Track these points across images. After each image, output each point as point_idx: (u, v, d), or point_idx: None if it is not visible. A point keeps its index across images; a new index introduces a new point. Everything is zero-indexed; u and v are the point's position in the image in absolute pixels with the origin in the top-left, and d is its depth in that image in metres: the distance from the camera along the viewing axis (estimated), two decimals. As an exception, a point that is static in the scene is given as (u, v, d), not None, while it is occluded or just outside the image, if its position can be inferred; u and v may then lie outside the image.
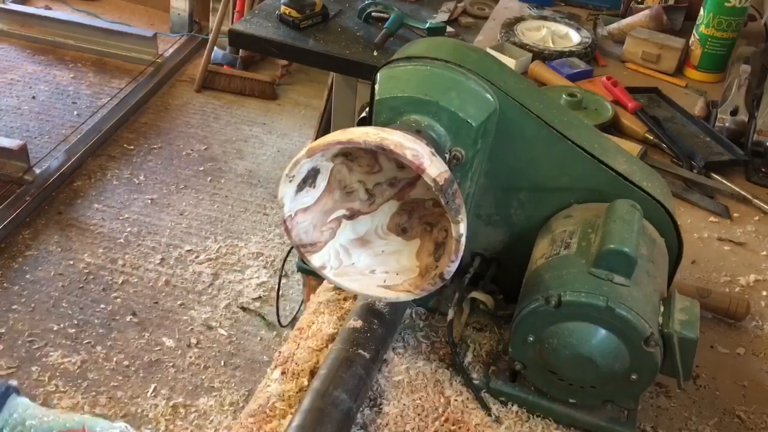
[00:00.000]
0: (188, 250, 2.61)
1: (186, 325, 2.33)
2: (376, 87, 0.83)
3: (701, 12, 1.66)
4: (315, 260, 0.82)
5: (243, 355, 2.26)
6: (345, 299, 1.01)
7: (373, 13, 2.06)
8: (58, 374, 2.11)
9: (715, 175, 1.33)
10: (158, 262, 2.55)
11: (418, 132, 0.78)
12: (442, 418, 0.86)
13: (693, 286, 1.05)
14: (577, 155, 0.86)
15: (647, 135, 1.42)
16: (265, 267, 2.57)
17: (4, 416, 0.63)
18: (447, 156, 0.82)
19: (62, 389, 2.08)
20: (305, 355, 0.92)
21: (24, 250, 2.52)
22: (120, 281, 2.45)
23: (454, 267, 0.74)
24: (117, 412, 2.04)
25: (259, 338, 2.33)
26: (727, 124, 1.45)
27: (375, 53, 1.92)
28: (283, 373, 0.90)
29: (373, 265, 0.84)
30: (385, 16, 2.02)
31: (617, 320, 0.75)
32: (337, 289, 1.02)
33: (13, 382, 0.66)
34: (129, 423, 2.01)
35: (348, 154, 0.79)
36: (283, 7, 2.00)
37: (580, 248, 0.81)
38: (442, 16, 2.09)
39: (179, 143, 3.19)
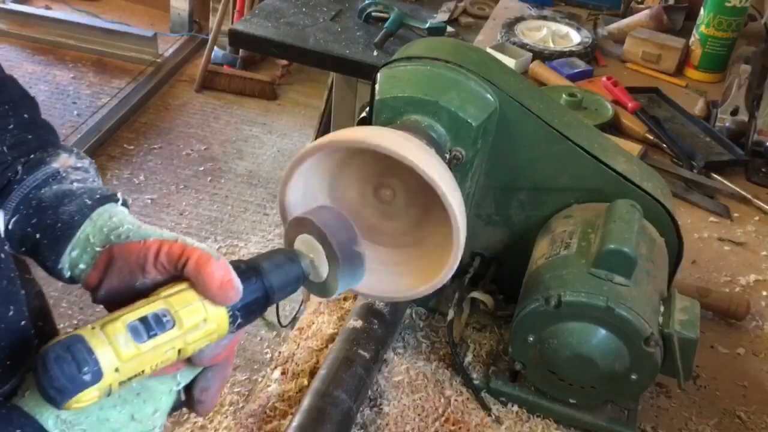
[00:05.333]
0: (188, 250, 2.61)
1: (186, 325, 2.32)
2: (376, 87, 0.83)
3: (701, 12, 1.66)
4: (315, 260, 0.82)
5: (243, 355, 2.26)
6: (345, 299, 1.01)
7: (373, 13, 2.06)
8: (58, 374, 2.11)
9: (715, 175, 1.33)
10: (158, 262, 2.54)
11: (419, 131, 0.78)
12: (442, 419, 0.86)
13: (693, 286, 1.05)
14: (577, 155, 0.86)
15: (647, 135, 1.42)
16: (265, 267, 2.57)
17: (104, 216, 0.62)
18: (447, 156, 0.82)
19: (62, 389, 2.07)
20: (305, 355, 0.92)
21: (24, 250, 2.52)
22: (120, 281, 2.45)
23: (453, 268, 0.74)
24: (117, 412, 2.04)
25: (259, 338, 2.33)
26: (727, 124, 1.45)
27: (375, 53, 1.92)
28: (283, 373, 0.90)
29: (372, 264, 0.83)
30: (385, 16, 2.01)
31: (617, 320, 0.75)
32: (337, 289, 1.02)
33: (119, 194, 0.66)
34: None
35: (348, 153, 0.78)
36: None
37: (580, 248, 0.81)
38: (442, 16, 2.09)
39: (179, 143, 3.19)
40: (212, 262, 0.55)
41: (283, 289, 0.60)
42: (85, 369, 0.48)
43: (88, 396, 0.48)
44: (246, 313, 0.57)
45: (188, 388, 0.61)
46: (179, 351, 0.53)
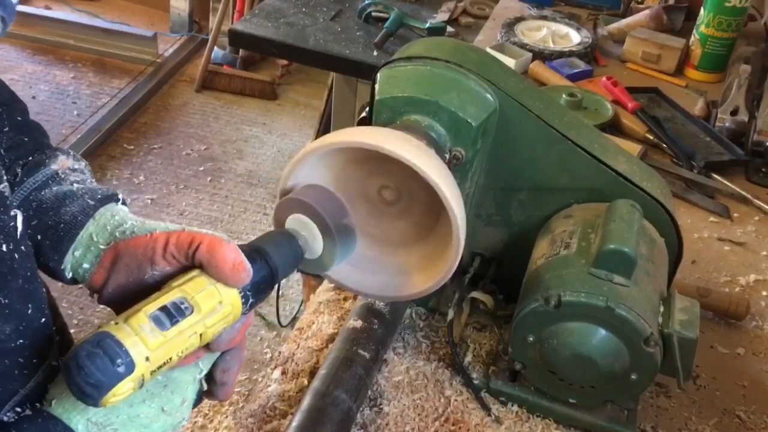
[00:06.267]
0: (188, 250, 2.61)
1: (186, 325, 2.32)
2: (376, 87, 0.83)
3: (701, 12, 1.66)
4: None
5: (243, 355, 2.26)
6: (345, 299, 1.01)
7: (373, 13, 2.06)
8: (58, 374, 2.11)
9: (715, 175, 1.33)
10: (158, 262, 2.55)
11: (419, 131, 0.78)
12: (442, 418, 0.86)
13: (693, 286, 1.05)
14: (577, 155, 0.86)
15: (647, 135, 1.42)
16: (265, 267, 2.57)
17: (106, 215, 0.62)
18: (447, 156, 0.82)
19: (62, 389, 2.08)
20: (305, 355, 0.92)
21: (24, 250, 2.52)
22: (120, 281, 2.45)
23: (453, 267, 0.74)
24: (117, 412, 2.04)
25: (259, 338, 2.33)
26: (727, 124, 1.45)
27: (375, 53, 1.92)
28: (283, 373, 0.90)
29: (373, 264, 0.83)
30: (385, 16, 2.01)
31: (617, 320, 0.75)
32: (337, 289, 1.02)
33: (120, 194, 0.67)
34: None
35: (348, 154, 0.78)
36: None
37: (580, 248, 0.81)
38: (442, 16, 2.09)
39: (179, 143, 3.20)
40: (224, 245, 0.56)
41: (285, 267, 0.61)
42: (119, 361, 0.48)
43: (123, 388, 0.49)
44: (256, 292, 0.58)
45: (208, 376, 0.62)
46: (200, 336, 0.54)
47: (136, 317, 0.51)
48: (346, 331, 0.89)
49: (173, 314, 0.52)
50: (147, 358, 0.50)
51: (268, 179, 3.04)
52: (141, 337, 0.50)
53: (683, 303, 0.81)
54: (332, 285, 1.01)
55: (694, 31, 1.68)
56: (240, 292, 0.57)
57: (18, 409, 0.54)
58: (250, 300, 0.58)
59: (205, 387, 0.63)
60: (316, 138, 2.48)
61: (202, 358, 0.60)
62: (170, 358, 0.52)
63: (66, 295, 2.38)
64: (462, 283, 0.95)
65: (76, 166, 0.68)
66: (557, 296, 0.77)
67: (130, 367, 0.49)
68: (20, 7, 3.78)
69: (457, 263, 0.73)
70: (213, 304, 0.54)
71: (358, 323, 0.89)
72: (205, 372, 0.61)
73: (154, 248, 0.58)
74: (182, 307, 0.53)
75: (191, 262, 0.57)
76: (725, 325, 1.04)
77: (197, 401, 0.62)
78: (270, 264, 0.59)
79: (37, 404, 0.55)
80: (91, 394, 0.48)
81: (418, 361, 0.93)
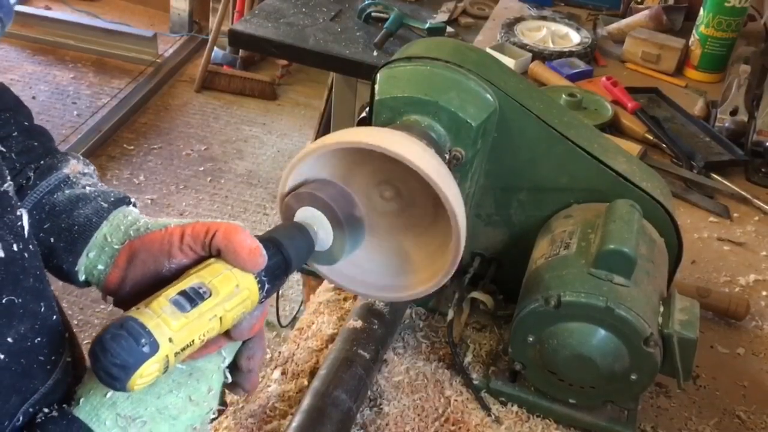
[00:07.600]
0: (188, 250, 2.61)
1: (186, 325, 2.32)
2: (376, 87, 0.83)
3: (701, 12, 1.66)
4: (315, 260, 0.82)
5: (243, 355, 2.26)
6: (345, 299, 1.01)
7: (373, 13, 2.06)
8: (58, 374, 2.11)
9: (714, 175, 1.33)
10: (158, 262, 2.54)
11: (418, 132, 0.78)
12: (442, 419, 0.86)
13: (693, 286, 1.05)
14: (577, 155, 0.86)
15: (647, 135, 1.42)
16: (265, 267, 2.57)
17: (119, 216, 0.63)
18: (447, 156, 0.82)
19: (62, 389, 2.07)
20: (305, 355, 0.92)
21: (24, 250, 2.52)
22: (120, 281, 2.44)
23: (453, 268, 0.74)
24: (117, 412, 2.04)
25: (259, 338, 2.33)
26: (726, 124, 1.45)
27: (375, 53, 1.92)
28: (283, 373, 0.90)
29: (373, 264, 0.84)
30: (385, 16, 2.02)
31: (617, 320, 0.75)
32: (337, 289, 1.02)
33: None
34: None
35: (349, 154, 0.78)
36: None
37: (579, 248, 0.81)
38: (442, 16, 2.10)
39: (179, 143, 3.20)
40: (240, 230, 0.57)
41: (298, 256, 0.63)
42: (143, 341, 0.49)
43: (149, 369, 0.49)
44: (271, 278, 0.59)
45: (233, 366, 0.63)
46: (220, 319, 0.55)
47: (157, 301, 0.52)
48: (346, 332, 0.89)
49: (192, 298, 0.53)
50: (170, 339, 0.50)
51: (268, 179, 3.04)
52: (163, 318, 0.51)
53: (683, 303, 0.81)
54: (332, 285, 1.01)
55: (694, 31, 1.68)
56: (256, 278, 0.57)
57: (46, 410, 0.55)
58: (266, 286, 0.59)
59: (230, 379, 0.63)
60: (316, 138, 2.48)
61: (224, 347, 0.60)
62: (192, 341, 0.53)
63: (66, 295, 2.38)
64: (462, 283, 0.95)
65: (86, 171, 0.69)
66: (557, 296, 0.77)
67: (155, 347, 0.49)
68: (20, 7, 3.78)
69: (457, 263, 0.73)
70: (230, 287, 0.55)
71: (358, 323, 0.89)
72: (228, 360, 0.62)
73: (171, 241, 0.59)
74: (200, 291, 0.54)
75: (208, 252, 0.58)
76: (725, 325, 1.04)
77: (222, 403, 0.62)
78: (284, 252, 0.61)
79: (65, 405, 0.55)
80: (118, 376, 0.48)
81: (418, 361, 0.93)
